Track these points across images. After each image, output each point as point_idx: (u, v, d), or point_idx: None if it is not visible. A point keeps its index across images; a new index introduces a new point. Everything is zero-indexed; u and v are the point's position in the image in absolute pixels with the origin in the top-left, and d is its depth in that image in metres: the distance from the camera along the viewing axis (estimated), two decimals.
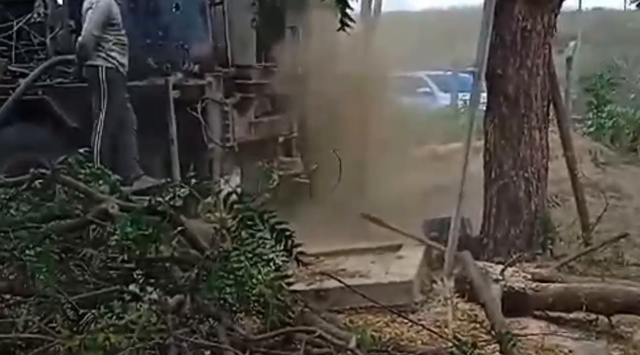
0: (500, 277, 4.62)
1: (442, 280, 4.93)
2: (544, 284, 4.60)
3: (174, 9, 6.84)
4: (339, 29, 3.31)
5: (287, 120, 7.76)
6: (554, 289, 4.57)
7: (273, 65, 7.56)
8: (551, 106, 5.77)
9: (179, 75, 6.70)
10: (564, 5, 5.80)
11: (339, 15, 3.28)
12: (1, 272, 3.40)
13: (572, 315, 4.49)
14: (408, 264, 5.01)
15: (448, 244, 5.01)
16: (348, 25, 3.28)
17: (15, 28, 7.10)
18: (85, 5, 6.53)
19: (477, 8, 5.68)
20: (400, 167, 6.84)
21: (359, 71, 7.03)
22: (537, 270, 4.93)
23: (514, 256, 5.14)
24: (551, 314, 4.53)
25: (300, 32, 7.69)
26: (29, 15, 7.16)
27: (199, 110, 6.63)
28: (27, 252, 3.34)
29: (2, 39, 7.14)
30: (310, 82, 7.53)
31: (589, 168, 8.52)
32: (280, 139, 7.79)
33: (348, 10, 3.31)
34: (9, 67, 7.03)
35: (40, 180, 3.76)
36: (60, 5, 7.43)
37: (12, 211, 3.56)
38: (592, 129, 10.91)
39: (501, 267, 4.73)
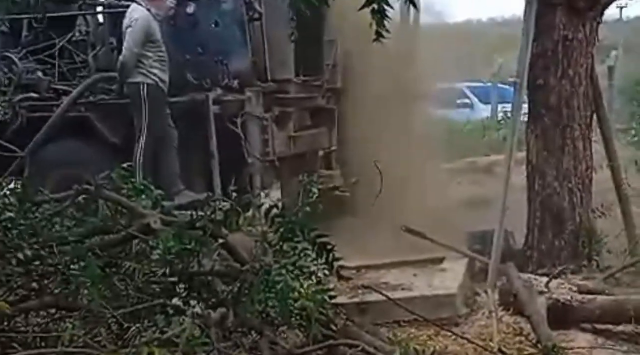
0: (546, 289, 4.56)
1: (485, 292, 4.87)
2: (590, 296, 4.53)
3: (212, 25, 6.89)
4: (374, 40, 3.30)
5: (327, 133, 7.76)
6: (600, 301, 4.49)
7: (312, 79, 7.57)
8: (594, 116, 5.70)
9: (219, 90, 6.73)
10: (605, 14, 5.74)
11: (375, 26, 3.26)
12: (46, 287, 3.43)
13: (619, 328, 4.41)
14: (451, 276, 4.97)
15: (491, 256, 4.95)
16: (383, 36, 3.26)
17: (57, 46, 7.20)
18: (125, 23, 6.61)
19: (517, 19, 5.64)
20: (441, 180, 6.79)
21: (398, 83, 7.01)
22: (583, 282, 4.86)
23: (559, 268, 5.07)
24: (598, 326, 4.46)
25: (338, 45, 7.69)
26: (71, 34, 7.26)
27: (238, 124, 6.65)
28: (71, 266, 3.37)
29: (45, 57, 7.24)
30: (349, 95, 7.54)
31: (634, 178, 8.37)
32: (320, 153, 7.79)
33: (385, 21, 3.29)
34: (52, 85, 7.13)
35: (83, 196, 3.79)
36: (101, 23, 7.53)
37: (56, 226, 3.59)
38: (635, 139, 10.75)
39: (546, 279, 4.68)
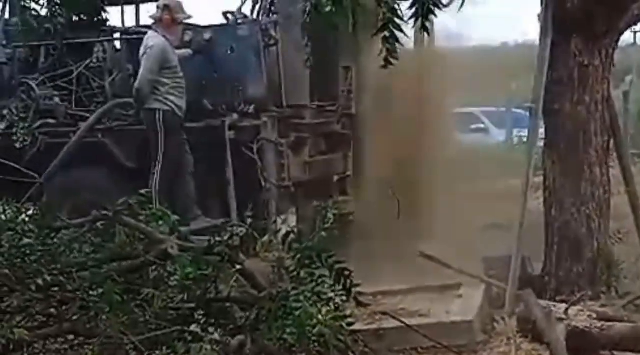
0: (564, 316, 4.52)
1: (503, 319, 4.84)
2: (609, 323, 4.48)
3: (228, 51, 6.94)
4: (382, 66, 3.30)
5: (342, 159, 7.77)
6: (620, 328, 4.45)
7: (327, 104, 7.60)
8: (611, 141, 5.68)
9: (235, 116, 6.77)
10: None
11: (384, 52, 3.26)
12: (65, 313, 3.44)
13: None
14: (469, 303, 4.94)
15: (509, 282, 4.92)
16: (391, 63, 3.26)
17: (75, 73, 7.26)
18: (142, 50, 6.66)
19: (532, 44, 5.65)
20: (457, 205, 6.77)
21: (413, 108, 7.02)
22: (602, 308, 4.82)
23: (578, 294, 5.03)
24: (617, 353, 4.40)
25: (353, 71, 7.72)
26: (88, 60, 7.32)
27: (254, 150, 6.68)
28: (90, 293, 3.37)
29: (63, 83, 7.30)
30: (364, 120, 7.55)
31: None
32: (335, 178, 7.79)
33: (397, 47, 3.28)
34: (69, 111, 7.18)
35: (101, 222, 3.80)
36: (118, 50, 7.59)
37: (75, 252, 3.60)
38: None
39: (565, 305, 4.63)
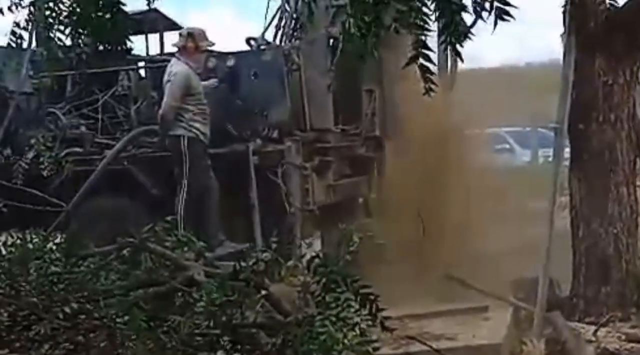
0: (593, 338, 4.48)
1: (532, 341, 4.79)
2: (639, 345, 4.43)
3: (252, 77, 6.98)
4: (424, 93, 3.31)
5: (366, 181, 7.77)
6: None
7: (350, 128, 7.61)
8: (637, 160, 5.64)
9: (259, 141, 6.80)
10: None
11: (422, 82, 3.29)
12: (93, 341, 3.45)
13: None
14: (496, 325, 4.90)
15: (537, 304, 4.88)
16: (432, 90, 3.29)
17: (100, 101, 7.34)
18: (165, 77, 6.72)
19: (556, 63, 5.64)
20: (483, 226, 6.73)
21: (438, 130, 7.01)
22: (631, 330, 4.76)
23: (607, 316, 4.97)
24: None
25: (377, 95, 7.74)
26: (113, 89, 7.40)
27: (279, 174, 6.70)
28: (116, 320, 3.38)
29: (89, 112, 7.39)
30: (388, 143, 7.55)
31: None
32: (360, 201, 7.79)
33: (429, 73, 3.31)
34: (95, 139, 7.25)
35: (127, 249, 3.82)
36: (143, 78, 7.67)
37: (102, 280, 3.62)
38: None
39: (594, 327, 4.59)
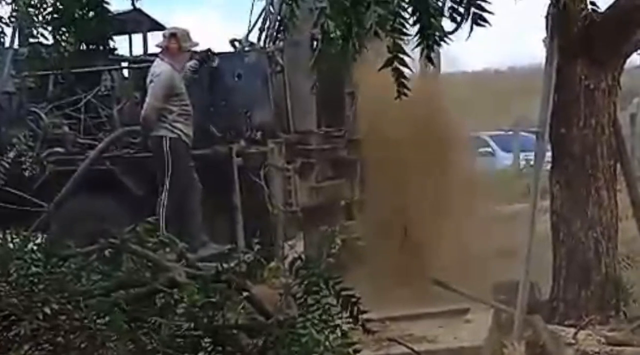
0: (573, 341, 4.51)
1: (512, 344, 4.81)
2: (619, 348, 4.47)
3: (236, 78, 6.98)
4: (396, 97, 3.32)
5: (349, 184, 7.78)
6: (629, 352, 4.44)
7: (333, 130, 7.62)
8: (618, 165, 5.68)
9: (242, 142, 6.80)
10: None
11: (395, 84, 3.29)
12: (72, 342, 3.43)
13: None
14: (477, 328, 4.91)
15: (517, 307, 4.90)
16: (405, 94, 3.29)
17: (83, 101, 7.31)
18: (148, 77, 6.72)
19: (538, 68, 5.67)
20: (464, 229, 6.75)
21: (421, 133, 7.03)
22: (610, 333, 4.80)
23: (586, 319, 5.00)
24: None
25: (359, 97, 7.75)
26: (96, 89, 7.38)
27: (262, 176, 6.70)
28: (97, 321, 3.36)
29: (71, 112, 7.36)
30: (370, 146, 7.56)
31: None
32: (342, 203, 7.80)
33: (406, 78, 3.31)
34: (78, 140, 7.23)
35: (109, 250, 3.81)
36: (126, 78, 7.65)
37: (83, 280, 3.60)
38: None
39: (573, 330, 4.62)
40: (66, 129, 7.25)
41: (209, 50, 6.98)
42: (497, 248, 6.54)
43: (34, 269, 3.55)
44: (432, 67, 7.54)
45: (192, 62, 6.89)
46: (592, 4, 5.41)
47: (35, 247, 3.86)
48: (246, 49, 7.13)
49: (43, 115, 7.24)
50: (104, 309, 3.41)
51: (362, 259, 6.80)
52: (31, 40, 6.72)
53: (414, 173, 6.86)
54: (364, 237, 7.30)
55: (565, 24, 5.39)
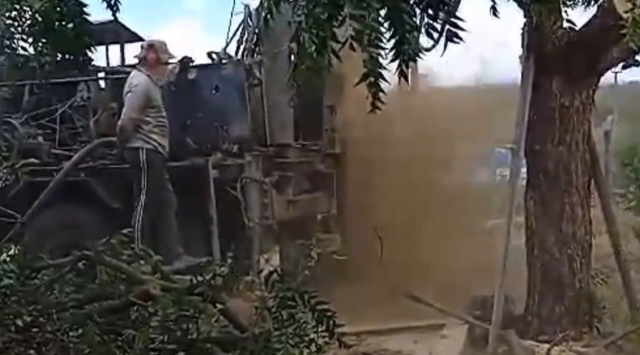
0: None
1: None
2: None
3: (213, 91, 6.97)
4: (369, 111, 3.33)
5: (325, 198, 7.78)
6: None
7: (311, 143, 7.63)
8: (592, 181, 5.72)
9: (219, 154, 6.78)
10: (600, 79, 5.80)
11: (370, 98, 3.29)
12: (45, 354, 3.40)
13: None
14: (452, 343, 4.93)
15: (492, 322, 4.92)
16: (379, 108, 3.30)
17: (59, 112, 7.26)
18: (125, 88, 6.68)
19: (514, 84, 5.72)
20: (441, 244, 6.78)
21: (398, 148, 7.06)
22: (584, 349, 4.82)
23: (560, 334, 5.03)
24: None
25: (337, 111, 7.77)
26: (72, 99, 7.33)
27: (238, 189, 6.68)
28: (70, 333, 3.33)
29: (46, 122, 7.30)
30: (347, 160, 7.58)
31: (633, 243, 8.37)
32: (319, 217, 7.80)
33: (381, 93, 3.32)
34: (53, 150, 7.17)
35: (83, 262, 3.77)
36: (102, 89, 7.61)
37: (56, 293, 3.57)
38: (632, 204, 10.77)
39: (547, 346, 4.63)
40: (41, 139, 7.19)
41: (188, 57, 6.97)
42: (473, 262, 6.57)
43: (6, 280, 3.52)
44: (410, 81, 7.62)
45: (171, 66, 6.87)
46: (569, 21, 5.47)
47: (8, 259, 3.82)
48: (224, 61, 7.12)
49: (18, 125, 7.18)
50: (78, 321, 3.39)
51: (339, 273, 6.80)
52: (8, 50, 6.66)
53: (386, 189, 6.89)
54: (342, 251, 7.30)
55: (541, 41, 5.44)
